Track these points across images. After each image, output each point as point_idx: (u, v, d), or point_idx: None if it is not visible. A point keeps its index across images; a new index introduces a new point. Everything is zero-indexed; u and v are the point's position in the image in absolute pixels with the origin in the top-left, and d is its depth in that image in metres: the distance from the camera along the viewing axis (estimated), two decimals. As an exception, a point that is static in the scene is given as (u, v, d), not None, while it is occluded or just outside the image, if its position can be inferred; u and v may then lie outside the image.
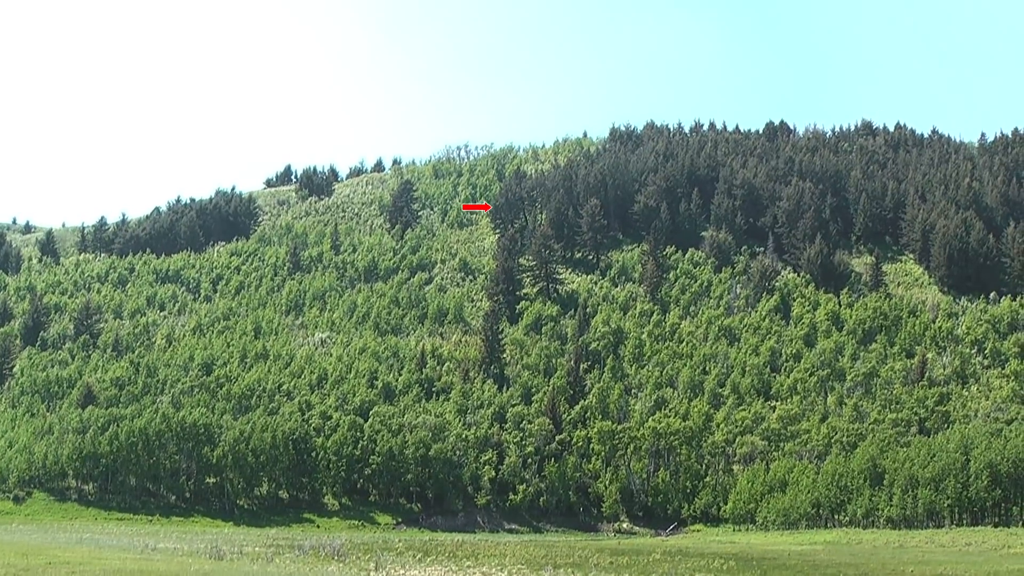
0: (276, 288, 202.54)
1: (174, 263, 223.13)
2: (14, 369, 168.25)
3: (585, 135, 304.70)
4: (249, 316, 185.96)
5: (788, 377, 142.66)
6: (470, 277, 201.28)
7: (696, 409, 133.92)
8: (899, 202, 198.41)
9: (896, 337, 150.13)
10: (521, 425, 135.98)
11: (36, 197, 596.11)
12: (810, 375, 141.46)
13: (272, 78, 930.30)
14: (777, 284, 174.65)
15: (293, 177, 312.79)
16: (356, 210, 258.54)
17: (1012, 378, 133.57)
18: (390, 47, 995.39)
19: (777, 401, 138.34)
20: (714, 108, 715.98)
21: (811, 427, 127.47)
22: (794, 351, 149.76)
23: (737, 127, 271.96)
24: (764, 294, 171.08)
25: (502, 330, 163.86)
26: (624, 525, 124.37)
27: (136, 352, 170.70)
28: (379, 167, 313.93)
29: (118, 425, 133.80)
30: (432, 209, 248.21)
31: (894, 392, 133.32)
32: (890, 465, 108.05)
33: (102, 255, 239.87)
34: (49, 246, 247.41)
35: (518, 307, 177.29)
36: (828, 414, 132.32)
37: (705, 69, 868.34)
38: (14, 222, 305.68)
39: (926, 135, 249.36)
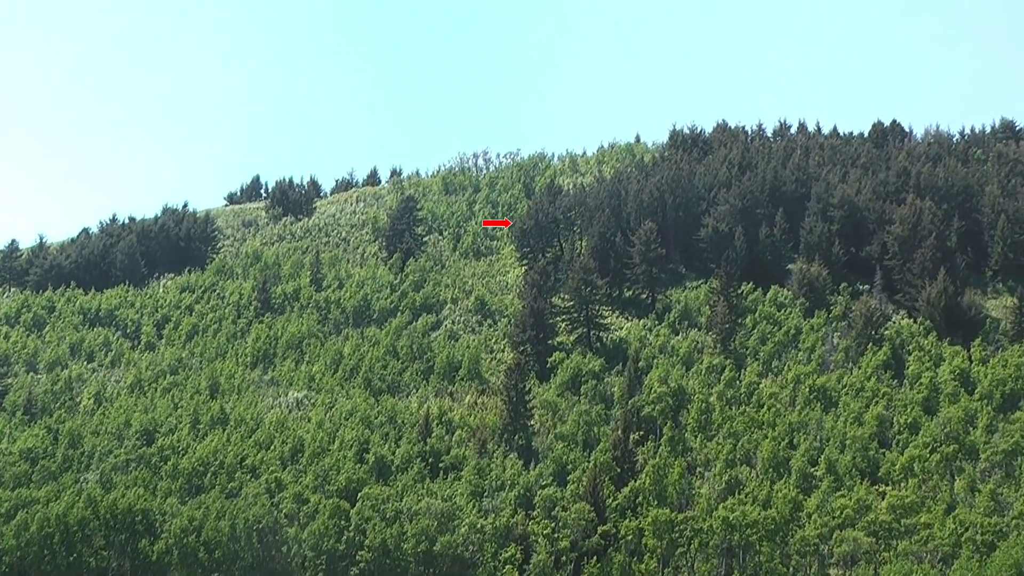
0: (239, 334, 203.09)
1: (107, 301, 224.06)
2: None
3: (638, 140, 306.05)
4: (204, 370, 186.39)
5: (902, 454, 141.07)
6: (489, 321, 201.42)
7: (781, 494, 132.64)
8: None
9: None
10: (553, 512, 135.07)
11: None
12: (931, 452, 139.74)
13: (236, 68, 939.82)
14: (887, 333, 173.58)
15: (263, 191, 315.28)
16: (343, 234, 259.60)
17: None
18: (382, 30, 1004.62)
19: (887, 485, 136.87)
20: (805, 104, 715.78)
21: (933, 520, 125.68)
22: (910, 420, 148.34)
23: (835, 129, 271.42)
24: (870, 345, 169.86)
25: (529, 390, 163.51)
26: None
27: (55, 416, 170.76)
28: (373, 179, 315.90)
29: (28, 511, 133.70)
30: (441, 234, 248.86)
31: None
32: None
33: (12, 290, 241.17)
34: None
35: (550, 360, 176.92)
36: (956, 503, 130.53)
37: (792, 54, 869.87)
38: None
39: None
